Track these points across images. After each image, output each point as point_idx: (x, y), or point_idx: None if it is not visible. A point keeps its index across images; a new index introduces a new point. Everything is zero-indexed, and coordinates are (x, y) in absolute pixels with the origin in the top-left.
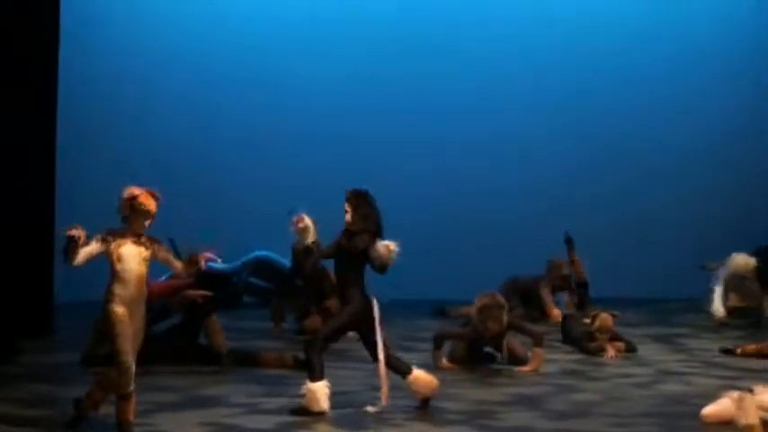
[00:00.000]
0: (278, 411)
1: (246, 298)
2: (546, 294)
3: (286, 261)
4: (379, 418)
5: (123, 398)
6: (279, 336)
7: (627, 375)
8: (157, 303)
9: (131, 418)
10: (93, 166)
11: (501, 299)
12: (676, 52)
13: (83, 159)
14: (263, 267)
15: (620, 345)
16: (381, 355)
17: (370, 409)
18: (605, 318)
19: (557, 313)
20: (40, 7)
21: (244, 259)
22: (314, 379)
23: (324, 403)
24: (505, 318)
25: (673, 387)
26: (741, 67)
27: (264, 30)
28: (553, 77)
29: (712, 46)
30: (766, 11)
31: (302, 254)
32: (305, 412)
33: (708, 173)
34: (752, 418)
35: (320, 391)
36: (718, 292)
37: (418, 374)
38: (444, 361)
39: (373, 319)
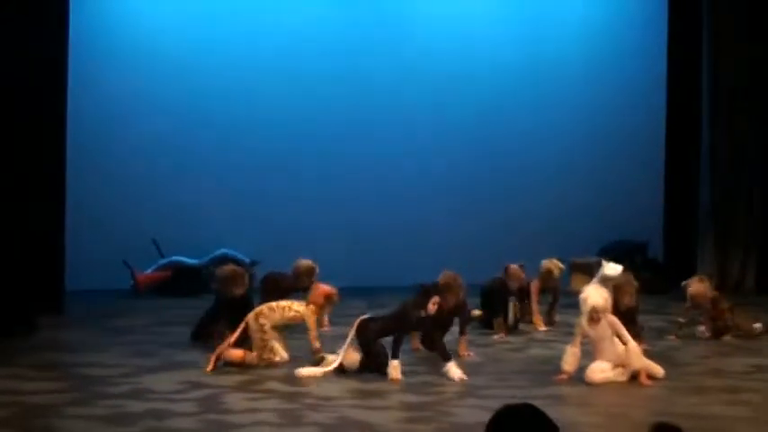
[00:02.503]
0: (237, 372)
1: (213, 286)
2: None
3: (244, 256)
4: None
5: None
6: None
7: (506, 342)
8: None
9: None
10: (102, 162)
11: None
12: (552, 48)
13: (93, 159)
14: (225, 262)
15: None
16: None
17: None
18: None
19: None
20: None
21: (211, 255)
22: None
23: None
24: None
25: (540, 352)
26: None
27: (275, 32)
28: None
29: (588, 42)
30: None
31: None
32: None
33: (583, 168)
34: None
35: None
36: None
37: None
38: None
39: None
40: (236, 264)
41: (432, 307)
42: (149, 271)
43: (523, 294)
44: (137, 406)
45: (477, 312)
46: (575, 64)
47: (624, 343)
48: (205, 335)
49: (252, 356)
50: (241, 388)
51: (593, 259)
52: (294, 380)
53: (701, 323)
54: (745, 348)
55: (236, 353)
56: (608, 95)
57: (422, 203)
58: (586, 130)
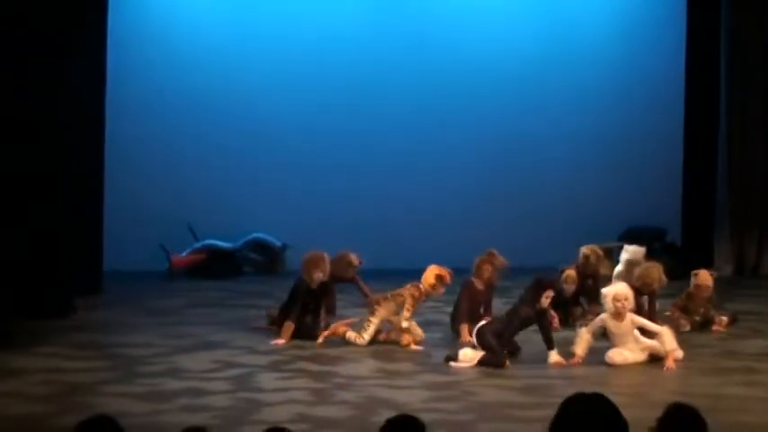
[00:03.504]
0: (269, 352)
1: (246, 269)
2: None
3: (276, 240)
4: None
5: None
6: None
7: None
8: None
9: None
10: (141, 150)
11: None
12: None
13: (131, 147)
14: (258, 245)
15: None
16: None
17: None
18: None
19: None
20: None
21: (244, 239)
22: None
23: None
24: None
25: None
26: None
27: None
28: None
29: (601, 33)
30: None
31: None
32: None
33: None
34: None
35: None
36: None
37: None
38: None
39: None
40: (267, 248)
41: (545, 300)
42: (184, 254)
43: (576, 298)
44: (172, 384)
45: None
46: (594, 57)
47: (654, 332)
48: (281, 319)
49: (353, 334)
50: (272, 367)
51: (614, 244)
52: (323, 359)
53: (677, 315)
54: (760, 331)
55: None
56: (628, 86)
57: (441, 195)
58: (606, 120)
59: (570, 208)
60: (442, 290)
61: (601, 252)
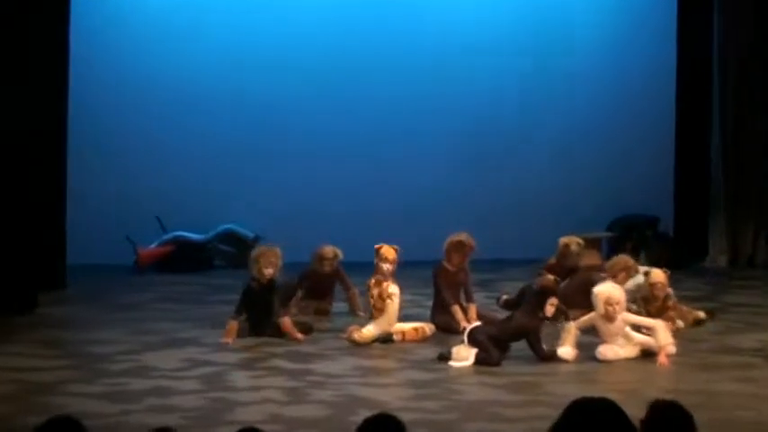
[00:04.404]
0: (241, 350)
1: (217, 262)
2: None
3: (249, 232)
4: None
5: None
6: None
7: None
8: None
9: None
10: (105, 138)
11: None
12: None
13: (93, 131)
14: (229, 237)
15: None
16: None
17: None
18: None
19: None
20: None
21: (215, 231)
22: None
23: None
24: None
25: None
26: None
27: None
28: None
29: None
30: None
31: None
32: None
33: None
34: None
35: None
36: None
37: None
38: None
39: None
40: (239, 240)
41: (549, 309)
42: (152, 246)
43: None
44: (139, 384)
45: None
46: (583, 39)
47: (648, 328)
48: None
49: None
50: (245, 365)
51: (602, 234)
52: (298, 356)
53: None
54: (755, 324)
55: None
56: (617, 69)
57: (425, 179)
58: (595, 103)
59: (557, 197)
60: (385, 264)
61: (582, 242)
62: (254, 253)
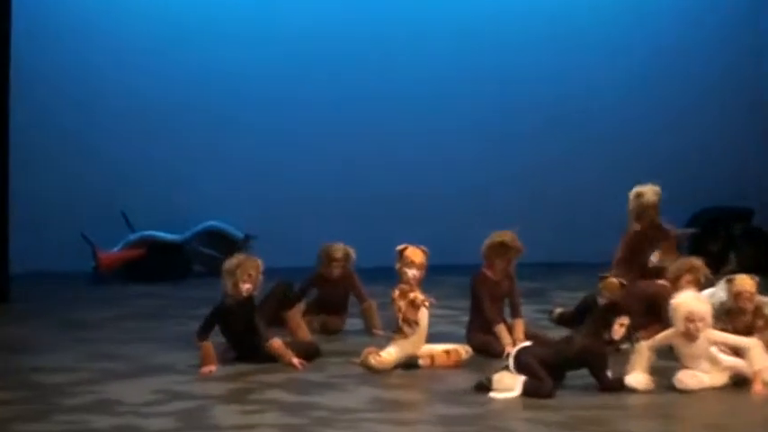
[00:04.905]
0: (227, 378)
1: (197, 267)
2: None
3: (237, 231)
4: None
5: None
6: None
7: None
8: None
9: None
10: (46, 139)
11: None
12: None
13: (37, 136)
14: (213, 237)
15: None
16: None
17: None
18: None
19: None
20: None
21: (195, 229)
22: None
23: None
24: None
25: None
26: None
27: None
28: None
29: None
30: None
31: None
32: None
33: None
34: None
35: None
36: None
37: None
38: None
39: None
40: (224, 240)
41: (618, 330)
42: (116, 249)
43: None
44: (101, 422)
45: None
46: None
47: (742, 347)
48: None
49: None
50: (232, 398)
51: (683, 231)
52: (300, 386)
53: None
54: None
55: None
56: (702, 34)
57: (440, 177)
58: (676, 75)
59: (622, 185)
60: (411, 270)
61: (660, 191)
62: (229, 264)
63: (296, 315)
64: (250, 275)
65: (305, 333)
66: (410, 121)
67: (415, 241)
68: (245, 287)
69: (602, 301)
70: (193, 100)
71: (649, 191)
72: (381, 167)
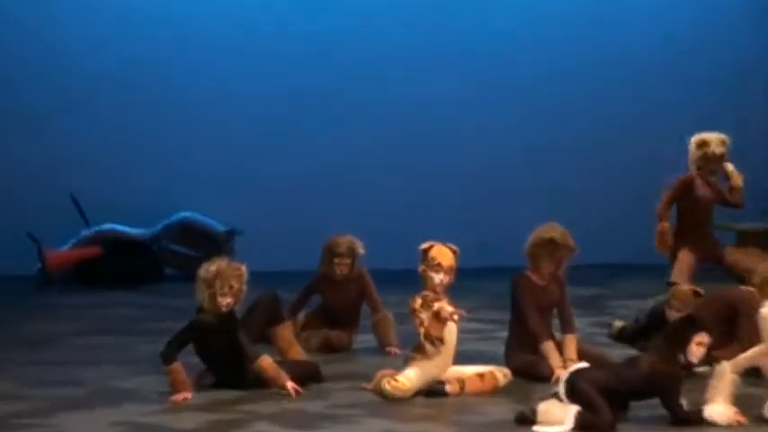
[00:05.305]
0: (204, 408)
1: (169, 269)
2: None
3: (218, 224)
4: None
5: None
6: None
7: None
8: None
9: None
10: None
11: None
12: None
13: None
14: (188, 232)
15: None
16: None
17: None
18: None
19: None
20: None
21: (166, 222)
22: None
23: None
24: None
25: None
26: None
27: None
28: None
29: None
30: None
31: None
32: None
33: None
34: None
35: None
36: None
37: None
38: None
39: None
40: (202, 236)
41: (697, 349)
42: (67, 247)
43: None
44: None
45: None
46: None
47: None
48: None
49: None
50: None
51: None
52: (297, 419)
53: None
54: None
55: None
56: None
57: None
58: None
59: None
60: (438, 275)
61: (727, 140)
62: (205, 273)
63: (286, 331)
64: (231, 287)
65: (298, 352)
66: (418, 108)
67: (439, 238)
68: (225, 301)
69: (672, 313)
70: (167, 69)
71: (715, 140)
72: (393, 153)
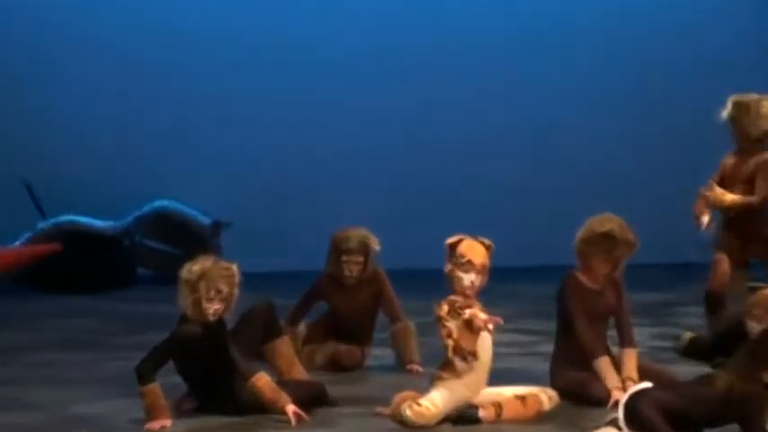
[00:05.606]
0: (195, 425)
1: (143, 268)
2: None
3: (201, 216)
4: None
5: None
6: None
7: None
8: None
9: None
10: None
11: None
12: None
13: None
14: (166, 224)
15: None
16: None
17: None
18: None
19: None
20: None
21: (137, 213)
22: None
23: None
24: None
25: None
26: None
27: None
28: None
29: None
30: None
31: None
32: None
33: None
34: None
35: None
36: None
37: None
38: None
39: None
40: (183, 229)
41: None
42: (20, 242)
43: None
44: None
45: None
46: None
47: None
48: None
49: None
50: None
51: None
52: None
53: None
54: None
55: None
56: None
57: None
58: None
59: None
60: (468, 275)
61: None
62: (188, 273)
63: (285, 346)
64: (219, 291)
65: (300, 371)
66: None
67: (469, 232)
68: (213, 308)
69: (754, 325)
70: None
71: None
72: (412, 132)
